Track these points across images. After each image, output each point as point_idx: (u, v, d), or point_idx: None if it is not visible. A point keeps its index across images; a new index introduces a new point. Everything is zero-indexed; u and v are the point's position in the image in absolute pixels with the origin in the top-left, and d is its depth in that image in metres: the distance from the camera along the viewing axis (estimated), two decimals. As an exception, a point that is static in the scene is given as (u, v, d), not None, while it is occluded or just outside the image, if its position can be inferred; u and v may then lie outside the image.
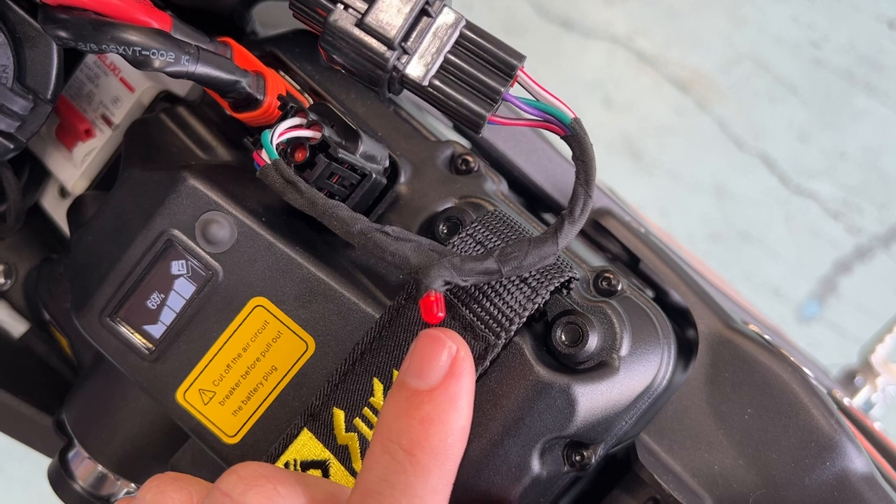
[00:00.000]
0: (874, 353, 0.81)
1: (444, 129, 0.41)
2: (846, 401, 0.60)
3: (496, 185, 0.37)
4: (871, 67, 1.53)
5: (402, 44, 0.28)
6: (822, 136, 1.51)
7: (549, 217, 0.43)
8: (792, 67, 1.53)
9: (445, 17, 0.29)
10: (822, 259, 1.46)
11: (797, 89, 1.52)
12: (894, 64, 1.53)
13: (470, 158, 0.36)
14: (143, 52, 0.31)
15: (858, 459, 0.33)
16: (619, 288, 0.34)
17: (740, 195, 1.47)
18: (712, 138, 1.50)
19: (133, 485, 0.39)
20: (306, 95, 0.37)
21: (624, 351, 0.32)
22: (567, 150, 0.31)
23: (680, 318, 0.37)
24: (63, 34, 0.31)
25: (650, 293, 0.40)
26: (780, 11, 1.55)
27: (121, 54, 0.31)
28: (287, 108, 0.33)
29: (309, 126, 0.32)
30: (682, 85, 1.52)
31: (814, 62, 1.54)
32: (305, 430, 0.32)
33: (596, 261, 0.36)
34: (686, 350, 0.36)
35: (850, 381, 0.80)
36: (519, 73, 0.29)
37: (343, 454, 0.31)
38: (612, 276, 0.34)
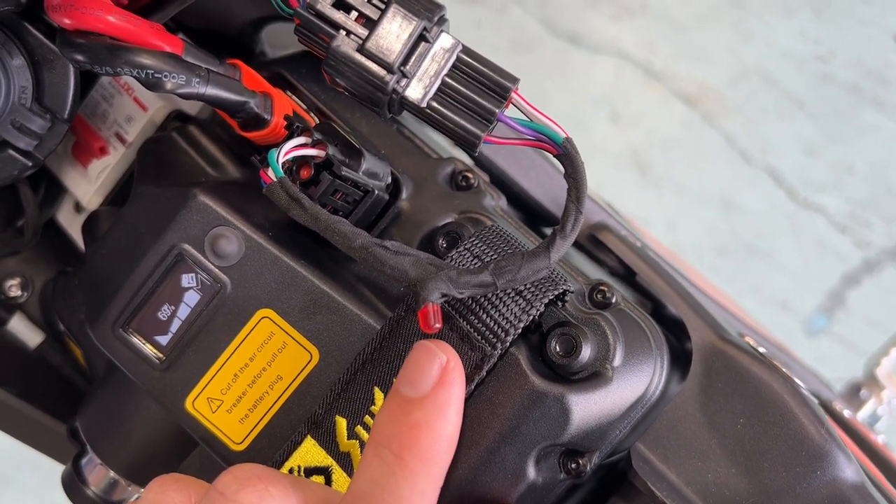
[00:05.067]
0: (879, 367, 0.81)
1: (446, 145, 0.42)
2: (847, 413, 0.61)
3: (495, 201, 0.38)
4: (878, 82, 1.54)
5: (402, 68, 0.30)
6: (830, 150, 1.51)
7: (548, 231, 0.44)
8: (799, 82, 1.54)
9: (443, 42, 0.30)
10: (830, 272, 1.46)
11: (804, 103, 1.53)
12: (901, 78, 1.53)
13: (470, 175, 0.38)
14: (156, 75, 0.32)
15: (849, 468, 0.33)
16: (614, 300, 0.34)
17: (747, 209, 1.48)
18: (719, 152, 1.51)
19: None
20: (312, 115, 0.39)
21: (617, 361, 0.33)
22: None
23: (677, 330, 0.38)
24: (80, 57, 0.33)
25: (648, 305, 0.41)
26: (786, 26, 1.56)
27: (134, 77, 0.32)
28: (293, 127, 0.34)
29: (314, 145, 0.34)
30: (689, 99, 1.53)
31: (821, 76, 1.54)
32: (309, 437, 0.33)
33: (594, 274, 0.37)
34: (682, 361, 0.37)
35: (855, 394, 0.80)
36: (513, 94, 0.30)
37: (345, 461, 0.32)
38: (606, 289, 0.35)
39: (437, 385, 0.29)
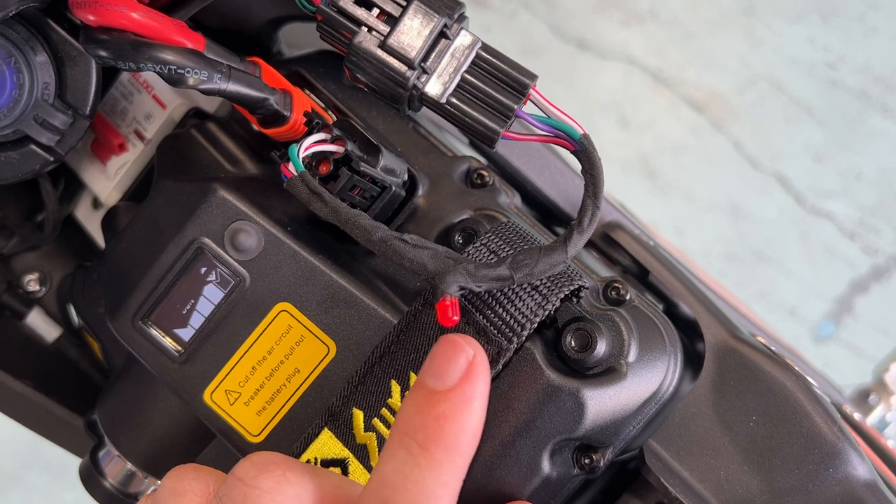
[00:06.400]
0: (888, 372, 0.81)
1: (460, 146, 0.43)
2: (857, 416, 0.61)
3: (510, 199, 0.38)
4: (887, 88, 1.54)
5: (422, 64, 0.30)
6: (838, 156, 1.51)
7: (561, 230, 0.44)
8: (807, 88, 1.54)
9: (462, 39, 0.30)
10: (838, 279, 1.46)
11: (813, 110, 1.53)
12: (910, 85, 1.53)
13: (485, 173, 0.38)
14: (179, 71, 0.33)
15: (861, 466, 0.34)
16: (628, 297, 0.35)
17: (756, 215, 1.48)
18: (728, 158, 1.51)
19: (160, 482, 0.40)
20: (330, 112, 0.39)
21: (632, 357, 0.33)
22: (578, 167, 0.32)
23: (689, 330, 0.38)
24: (103, 53, 0.33)
25: (661, 305, 0.41)
26: (795, 33, 1.56)
27: (157, 72, 0.33)
28: (312, 123, 0.35)
29: (333, 141, 0.34)
30: (698, 105, 1.54)
31: (829, 83, 1.55)
32: (326, 429, 0.33)
33: (606, 272, 0.38)
34: (695, 361, 0.37)
35: (864, 400, 0.80)
36: (531, 91, 0.30)
37: (362, 453, 0.33)
38: (620, 286, 0.35)
39: (464, 378, 0.29)
